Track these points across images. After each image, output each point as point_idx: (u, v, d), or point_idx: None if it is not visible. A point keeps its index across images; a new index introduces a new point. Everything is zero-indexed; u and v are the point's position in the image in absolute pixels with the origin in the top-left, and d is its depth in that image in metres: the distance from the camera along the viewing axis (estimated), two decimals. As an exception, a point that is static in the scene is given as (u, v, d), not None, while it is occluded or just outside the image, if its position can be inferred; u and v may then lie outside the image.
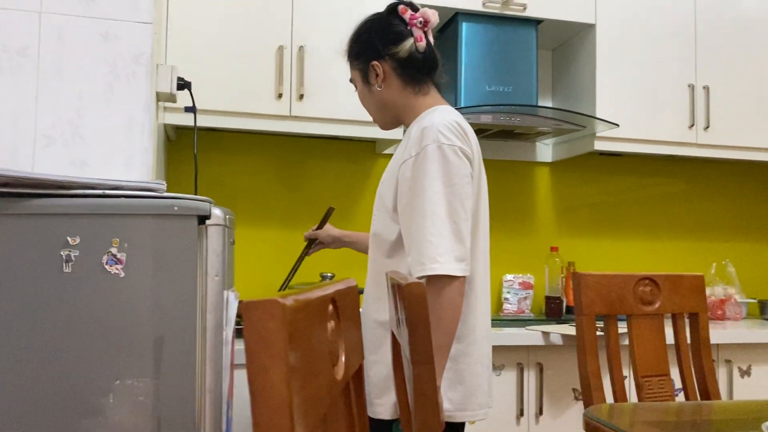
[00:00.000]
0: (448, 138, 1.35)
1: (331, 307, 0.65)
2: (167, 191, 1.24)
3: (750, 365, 2.24)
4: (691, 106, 2.49)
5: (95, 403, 1.14)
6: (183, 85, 1.77)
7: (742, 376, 2.23)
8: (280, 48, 2.11)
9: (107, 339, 1.16)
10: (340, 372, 0.66)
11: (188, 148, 2.26)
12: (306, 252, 1.96)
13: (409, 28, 1.46)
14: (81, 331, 1.15)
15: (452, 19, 2.37)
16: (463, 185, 1.34)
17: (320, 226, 1.93)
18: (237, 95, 2.09)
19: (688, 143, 2.51)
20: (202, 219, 1.22)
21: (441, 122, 1.36)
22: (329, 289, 0.65)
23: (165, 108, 1.98)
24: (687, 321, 1.76)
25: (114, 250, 1.17)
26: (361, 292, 1.56)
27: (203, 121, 2.00)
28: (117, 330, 1.16)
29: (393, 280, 0.99)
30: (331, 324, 0.65)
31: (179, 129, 2.25)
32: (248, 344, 0.44)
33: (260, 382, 0.43)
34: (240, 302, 1.35)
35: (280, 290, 2.02)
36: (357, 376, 0.82)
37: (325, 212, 1.95)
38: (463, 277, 1.32)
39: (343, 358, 0.68)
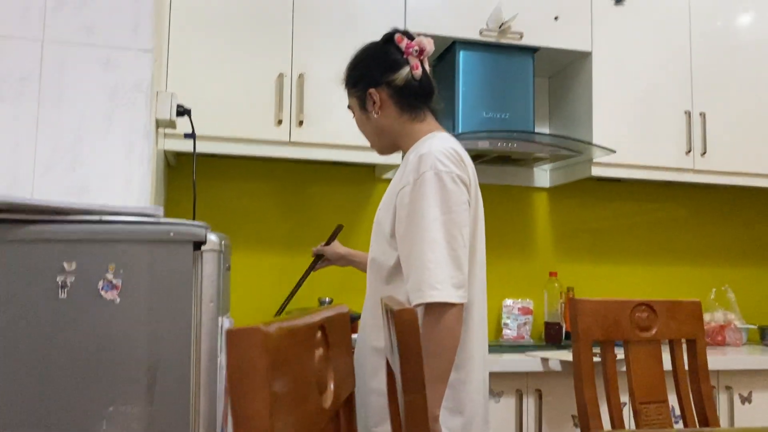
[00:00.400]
0: (446, 165, 1.36)
1: (319, 334, 0.66)
2: (166, 216, 1.25)
3: (751, 391, 2.23)
4: (688, 133, 2.50)
5: (88, 430, 1.14)
6: (183, 111, 1.79)
7: (742, 402, 2.21)
8: (280, 75, 2.14)
9: (101, 365, 1.15)
10: (328, 400, 0.66)
11: (188, 174, 2.28)
12: (312, 267, 1.97)
13: (405, 56, 1.48)
14: (75, 357, 1.15)
15: (450, 48, 2.40)
16: (461, 212, 1.35)
17: (328, 243, 1.95)
18: (237, 121, 2.11)
19: (686, 169, 2.51)
20: (198, 245, 1.23)
21: (438, 149, 1.37)
22: (317, 317, 0.65)
23: (165, 134, 2.00)
24: (684, 347, 1.75)
25: (110, 276, 1.17)
26: (359, 317, 1.56)
27: (203, 147, 2.02)
28: (111, 356, 1.16)
29: (387, 306, 0.98)
30: (319, 351, 0.65)
31: (179, 155, 2.27)
32: (230, 372, 0.45)
33: (241, 410, 0.43)
34: (233, 328, 1.34)
35: (281, 307, 2.02)
36: (347, 405, 0.82)
37: (334, 229, 1.97)
38: (462, 304, 1.32)
39: (332, 386, 0.68)
